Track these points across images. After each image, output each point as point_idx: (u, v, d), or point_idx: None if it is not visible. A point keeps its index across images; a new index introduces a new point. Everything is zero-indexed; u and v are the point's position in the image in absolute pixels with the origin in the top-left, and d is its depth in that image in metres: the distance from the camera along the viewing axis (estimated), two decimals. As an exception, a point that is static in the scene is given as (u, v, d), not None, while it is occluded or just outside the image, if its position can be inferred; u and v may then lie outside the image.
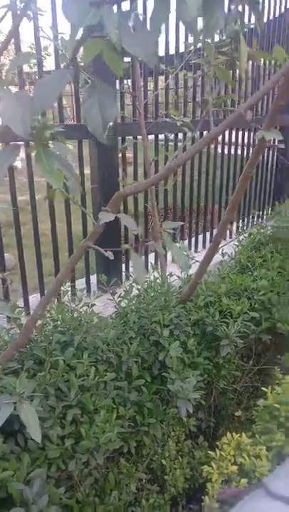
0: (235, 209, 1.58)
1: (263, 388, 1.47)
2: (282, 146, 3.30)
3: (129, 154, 2.55)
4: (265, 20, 3.27)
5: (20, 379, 1.11)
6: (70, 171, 0.72)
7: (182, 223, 1.34)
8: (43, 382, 1.29)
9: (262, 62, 3.03)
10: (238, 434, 1.33)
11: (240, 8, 0.92)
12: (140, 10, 2.14)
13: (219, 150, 3.27)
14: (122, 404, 1.46)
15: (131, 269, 2.68)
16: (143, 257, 2.55)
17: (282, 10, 3.41)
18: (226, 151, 3.26)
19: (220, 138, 3.18)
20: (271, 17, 3.36)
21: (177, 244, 1.70)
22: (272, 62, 2.87)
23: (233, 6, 0.81)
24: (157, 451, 1.66)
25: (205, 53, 1.46)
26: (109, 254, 1.08)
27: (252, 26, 3.03)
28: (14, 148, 0.66)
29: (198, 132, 2.46)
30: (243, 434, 1.33)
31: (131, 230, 1.08)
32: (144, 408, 1.49)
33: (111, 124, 0.65)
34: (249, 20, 2.84)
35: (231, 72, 2.66)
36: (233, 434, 1.33)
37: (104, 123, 0.63)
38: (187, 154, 1.10)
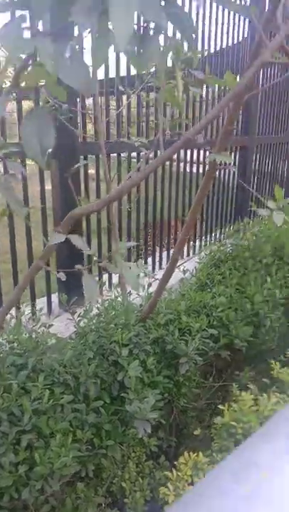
0: (191, 229, 1.61)
1: (220, 406, 1.48)
2: (234, 169, 3.40)
3: (92, 171, 2.56)
4: (222, 47, 3.41)
5: None
6: (12, 196, 0.71)
7: (136, 244, 1.35)
8: (-4, 407, 1.25)
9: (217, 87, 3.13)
10: (195, 454, 1.33)
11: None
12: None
13: (187, 168, 3.33)
14: (79, 427, 1.43)
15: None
16: (97, 276, 2.55)
17: (240, 39, 3.56)
18: (188, 169, 3.34)
19: (180, 155, 3.26)
20: (234, 43, 3.50)
21: (133, 263, 1.70)
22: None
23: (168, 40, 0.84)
24: (117, 474, 1.64)
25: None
26: (61, 276, 1.07)
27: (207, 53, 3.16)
28: None
29: (153, 153, 2.50)
30: (200, 453, 1.33)
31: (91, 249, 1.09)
32: (102, 430, 1.47)
33: (50, 150, 0.65)
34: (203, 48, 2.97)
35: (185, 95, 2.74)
36: (190, 453, 1.33)
37: (42, 150, 0.64)
38: (140, 176, 1.12)
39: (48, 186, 2.31)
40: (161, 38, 0.66)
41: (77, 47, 0.61)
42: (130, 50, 0.59)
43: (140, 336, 1.67)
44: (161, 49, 0.69)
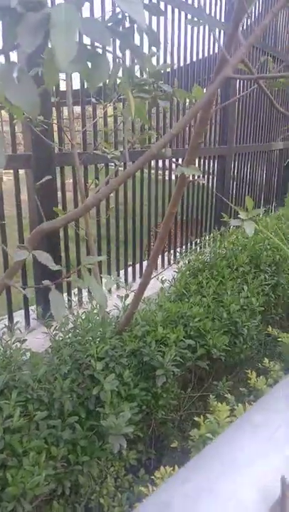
0: (164, 239, 1.61)
1: (195, 418, 1.47)
2: (203, 181, 3.43)
3: (70, 181, 2.56)
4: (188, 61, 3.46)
5: None
6: None
7: (102, 258, 1.35)
8: None
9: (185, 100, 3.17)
10: (171, 468, 1.32)
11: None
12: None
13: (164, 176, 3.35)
14: (54, 443, 1.41)
15: (74, 297, 2.65)
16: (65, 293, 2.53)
17: (205, 54, 3.60)
18: (161, 177, 3.36)
19: (153, 163, 3.28)
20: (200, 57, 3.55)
21: (107, 275, 1.70)
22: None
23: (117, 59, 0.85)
24: (95, 489, 1.61)
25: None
26: (27, 293, 1.06)
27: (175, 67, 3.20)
28: None
29: (122, 164, 2.51)
30: (176, 466, 1.32)
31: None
32: (78, 446, 1.45)
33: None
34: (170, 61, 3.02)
35: (155, 108, 2.76)
36: (166, 467, 1.32)
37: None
38: (106, 190, 1.11)
39: (24, 196, 2.30)
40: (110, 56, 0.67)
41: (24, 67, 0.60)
42: (79, 68, 0.60)
43: (116, 348, 1.66)
44: (111, 67, 0.70)
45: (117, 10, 0.75)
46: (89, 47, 0.61)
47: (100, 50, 0.61)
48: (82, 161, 2.11)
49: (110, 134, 2.70)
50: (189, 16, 3.18)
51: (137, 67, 1.84)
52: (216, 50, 3.68)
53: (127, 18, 0.83)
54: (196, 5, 3.28)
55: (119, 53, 0.84)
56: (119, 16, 0.86)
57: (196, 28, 3.29)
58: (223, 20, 3.76)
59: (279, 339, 2.12)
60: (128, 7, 0.54)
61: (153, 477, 1.39)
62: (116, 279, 1.66)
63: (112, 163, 2.35)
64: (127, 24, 0.83)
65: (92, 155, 2.20)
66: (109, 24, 0.63)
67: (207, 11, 3.57)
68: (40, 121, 2.00)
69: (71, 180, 2.51)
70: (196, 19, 3.10)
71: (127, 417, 1.46)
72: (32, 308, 2.41)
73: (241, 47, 1.08)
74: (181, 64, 3.31)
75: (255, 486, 0.54)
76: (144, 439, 1.83)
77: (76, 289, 2.69)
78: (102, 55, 0.61)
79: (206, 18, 3.30)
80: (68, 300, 2.55)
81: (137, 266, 3.18)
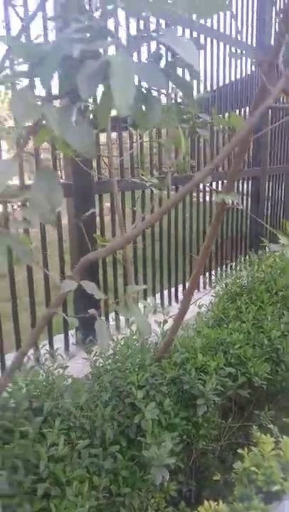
0: (203, 264, 1.61)
1: (239, 450, 1.43)
2: (241, 206, 3.41)
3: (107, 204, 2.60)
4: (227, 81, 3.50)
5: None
6: (22, 248, 0.73)
7: (144, 286, 1.35)
8: (11, 454, 1.24)
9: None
10: (216, 502, 1.28)
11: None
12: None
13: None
14: (96, 473, 1.40)
15: (111, 322, 2.66)
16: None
17: (238, 76, 3.64)
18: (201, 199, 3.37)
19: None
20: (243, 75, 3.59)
21: (145, 301, 1.71)
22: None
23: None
24: (137, 522, 1.58)
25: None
26: (74, 322, 1.08)
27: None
28: None
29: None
30: (220, 501, 1.28)
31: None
32: (120, 476, 1.43)
33: (59, 209, 0.67)
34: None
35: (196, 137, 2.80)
36: (210, 501, 1.28)
37: (52, 207, 0.66)
38: (143, 225, 1.12)
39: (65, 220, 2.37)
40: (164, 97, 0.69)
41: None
42: (134, 111, 0.62)
43: (156, 376, 1.65)
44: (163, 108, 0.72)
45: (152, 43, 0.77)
46: (143, 89, 0.63)
47: (154, 93, 0.64)
48: (119, 188, 2.16)
49: (146, 161, 2.74)
50: (229, 49, 3.26)
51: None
52: (248, 72, 3.72)
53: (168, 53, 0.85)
54: (229, 32, 3.35)
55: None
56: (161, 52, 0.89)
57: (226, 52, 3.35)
58: (254, 43, 3.80)
59: None
60: (184, 52, 0.56)
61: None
62: (155, 305, 1.66)
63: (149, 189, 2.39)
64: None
65: (130, 183, 2.25)
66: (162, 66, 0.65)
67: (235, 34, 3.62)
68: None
69: (108, 204, 2.56)
70: (235, 50, 3.16)
71: (168, 447, 1.44)
72: (71, 332, 2.44)
73: (283, 77, 1.09)
74: (214, 87, 3.35)
75: None
76: (185, 469, 1.78)
77: (113, 313, 2.70)
78: (156, 97, 0.64)
79: (244, 48, 3.35)
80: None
81: (172, 290, 3.17)
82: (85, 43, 0.59)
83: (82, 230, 1.98)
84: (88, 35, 0.61)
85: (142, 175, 1.90)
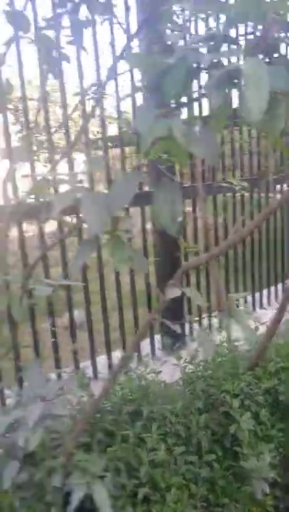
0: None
1: None
2: None
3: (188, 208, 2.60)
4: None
5: (92, 456, 1.11)
6: (140, 259, 0.75)
7: (247, 293, 1.32)
8: (114, 457, 1.27)
9: None
10: None
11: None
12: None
13: None
14: (192, 480, 1.39)
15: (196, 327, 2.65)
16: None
17: None
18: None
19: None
20: None
21: (241, 308, 1.66)
22: None
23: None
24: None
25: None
26: (177, 328, 1.09)
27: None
28: (91, 243, 0.72)
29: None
30: None
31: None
32: (216, 486, 1.41)
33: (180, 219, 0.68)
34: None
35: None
36: None
37: (173, 217, 0.67)
38: (235, 239, 1.09)
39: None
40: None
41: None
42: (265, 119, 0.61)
43: (251, 385, 1.61)
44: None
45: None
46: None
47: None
48: (205, 192, 2.15)
49: (230, 164, 2.70)
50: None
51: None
52: None
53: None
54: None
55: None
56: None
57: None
58: None
59: None
60: None
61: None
62: (249, 312, 1.62)
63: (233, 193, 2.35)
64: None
65: (215, 187, 2.23)
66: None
67: None
68: (165, 159, 2.08)
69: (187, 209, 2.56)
70: None
71: (267, 459, 1.39)
72: (157, 336, 2.46)
73: None
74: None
75: None
76: (281, 483, 1.71)
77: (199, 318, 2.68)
78: (282, 101, 0.62)
79: None
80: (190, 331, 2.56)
81: (256, 295, 3.08)
82: (210, 51, 0.59)
83: (170, 238, 2.00)
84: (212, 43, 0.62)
85: (224, 179, 1.86)
